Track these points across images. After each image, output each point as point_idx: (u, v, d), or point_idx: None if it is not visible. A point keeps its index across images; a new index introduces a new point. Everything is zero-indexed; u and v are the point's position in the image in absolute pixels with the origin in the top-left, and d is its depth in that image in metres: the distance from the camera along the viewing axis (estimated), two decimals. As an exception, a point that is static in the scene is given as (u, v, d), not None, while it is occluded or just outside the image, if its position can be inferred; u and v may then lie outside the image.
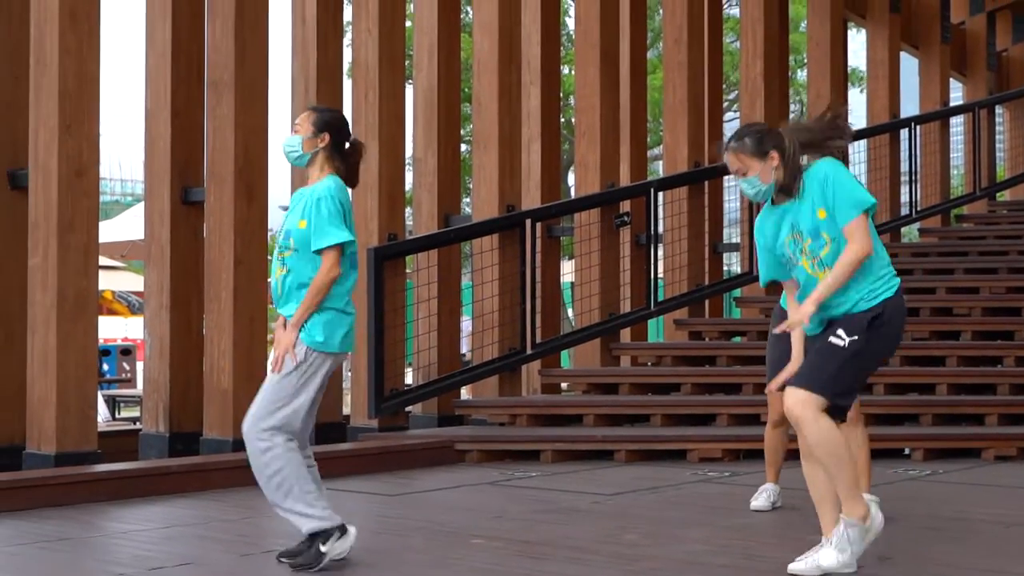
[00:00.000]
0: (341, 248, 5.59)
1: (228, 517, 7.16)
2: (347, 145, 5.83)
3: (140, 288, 11.25)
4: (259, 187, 9.77)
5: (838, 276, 5.25)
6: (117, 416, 16.69)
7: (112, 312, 27.80)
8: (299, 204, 5.69)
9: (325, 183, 5.68)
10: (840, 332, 5.32)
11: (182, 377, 9.86)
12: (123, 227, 23.20)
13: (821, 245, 5.33)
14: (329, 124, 5.75)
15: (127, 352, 20.25)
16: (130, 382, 19.28)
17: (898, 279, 5.49)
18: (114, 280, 26.49)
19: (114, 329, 25.65)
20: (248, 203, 9.67)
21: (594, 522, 6.87)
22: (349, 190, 5.83)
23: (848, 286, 5.31)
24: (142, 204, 11.41)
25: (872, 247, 5.29)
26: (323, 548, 5.55)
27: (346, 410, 10.94)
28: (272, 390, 5.61)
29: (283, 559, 5.63)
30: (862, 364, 5.41)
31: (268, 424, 5.56)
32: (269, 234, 10.59)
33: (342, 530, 5.62)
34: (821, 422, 5.25)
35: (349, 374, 11.26)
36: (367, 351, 9.87)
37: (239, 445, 9.35)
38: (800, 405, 5.27)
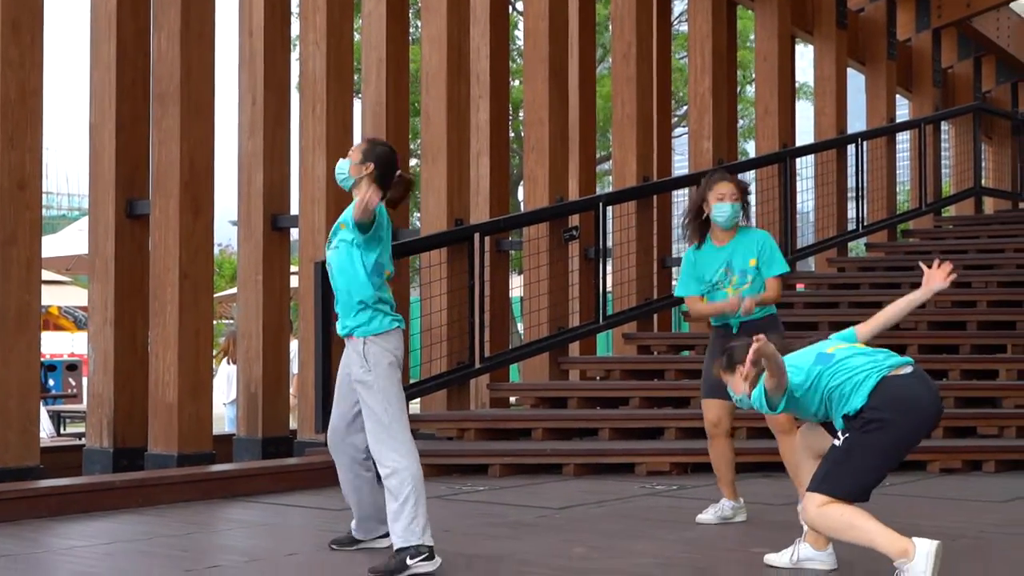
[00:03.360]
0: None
1: (172, 533, 7.09)
2: (394, 178, 6.24)
3: (86, 303, 11.14)
4: (205, 200, 9.70)
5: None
6: (63, 432, 16.52)
7: (58, 327, 27.57)
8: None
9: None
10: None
11: (127, 392, 9.76)
12: (68, 241, 23.05)
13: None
14: (376, 156, 6.16)
15: (73, 367, 20.08)
16: (76, 397, 19.11)
17: None
18: (60, 295, 26.24)
19: (60, 344, 25.40)
20: (194, 216, 9.60)
21: (542, 536, 6.85)
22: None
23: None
24: (87, 218, 11.29)
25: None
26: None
27: (293, 424, 10.86)
28: None
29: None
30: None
31: None
32: (216, 248, 10.49)
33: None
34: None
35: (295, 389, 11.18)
36: (314, 364, 9.80)
37: (184, 460, 9.31)
38: None
